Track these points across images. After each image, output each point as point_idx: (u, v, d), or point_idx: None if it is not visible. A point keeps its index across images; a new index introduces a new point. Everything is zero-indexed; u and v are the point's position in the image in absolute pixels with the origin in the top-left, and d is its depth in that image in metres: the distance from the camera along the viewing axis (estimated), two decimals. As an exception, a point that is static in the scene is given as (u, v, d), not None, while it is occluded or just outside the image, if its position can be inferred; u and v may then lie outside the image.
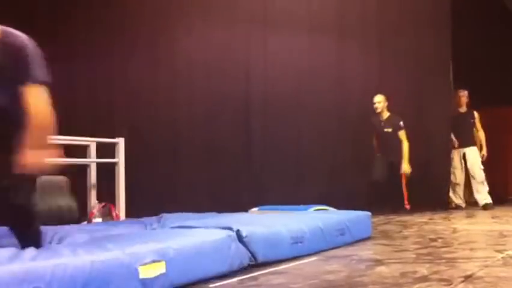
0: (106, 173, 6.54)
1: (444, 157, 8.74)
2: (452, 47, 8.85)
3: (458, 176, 8.90)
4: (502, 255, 3.71)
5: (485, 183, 8.68)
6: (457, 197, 8.91)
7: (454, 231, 5.50)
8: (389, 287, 2.79)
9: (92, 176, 6.46)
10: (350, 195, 8.20)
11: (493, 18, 10.75)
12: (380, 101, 8.23)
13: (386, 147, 8.21)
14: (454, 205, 8.80)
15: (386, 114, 8.26)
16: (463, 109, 9.04)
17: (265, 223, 3.92)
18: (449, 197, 8.84)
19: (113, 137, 6.60)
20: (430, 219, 6.98)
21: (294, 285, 2.92)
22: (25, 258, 2.41)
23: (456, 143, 8.86)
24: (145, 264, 2.64)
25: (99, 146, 6.58)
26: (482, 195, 8.62)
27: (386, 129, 8.23)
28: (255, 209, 6.86)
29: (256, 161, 8.42)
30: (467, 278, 2.95)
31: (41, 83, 3.06)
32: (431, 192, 8.58)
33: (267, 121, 8.48)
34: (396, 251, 4.13)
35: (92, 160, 6.46)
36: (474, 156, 8.77)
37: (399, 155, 8.12)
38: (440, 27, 8.75)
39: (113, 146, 6.56)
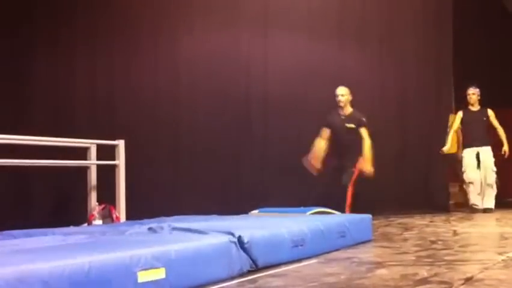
0: (106, 175, 6.54)
1: (441, 159, 8.70)
2: (454, 48, 8.84)
3: (471, 175, 8.48)
4: (502, 258, 3.71)
5: (495, 186, 8.47)
6: (473, 197, 8.47)
7: (455, 233, 5.49)
8: (389, 289, 2.78)
9: (92, 177, 6.46)
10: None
11: (495, 19, 10.74)
12: (343, 94, 7.39)
13: (343, 147, 7.35)
14: (470, 205, 8.43)
15: (348, 110, 7.41)
16: (475, 107, 8.71)
17: (267, 227, 3.91)
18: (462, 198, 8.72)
19: (114, 139, 6.60)
20: (431, 221, 6.97)
21: (294, 288, 2.91)
22: (22, 259, 2.40)
23: (446, 148, 8.50)
24: (144, 269, 2.63)
25: (99, 148, 6.57)
26: (487, 198, 8.42)
27: (347, 125, 7.33)
28: (255, 211, 6.85)
29: (257, 163, 8.42)
30: (468, 280, 2.95)
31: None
32: (432, 194, 8.57)
33: (268, 122, 8.48)
34: (396, 254, 4.13)
35: (92, 162, 6.46)
36: (488, 157, 8.48)
37: (357, 155, 7.27)
38: (442, 28, 8.75)
39: (114, 148, 6.56)
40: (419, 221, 7.00)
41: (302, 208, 6.57)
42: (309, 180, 8.30)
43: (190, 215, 5.60)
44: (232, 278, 3.19)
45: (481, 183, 8.48)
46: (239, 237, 3.42)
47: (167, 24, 8.43)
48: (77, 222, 6.14)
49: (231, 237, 3.40)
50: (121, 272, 2.54)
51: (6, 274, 2.14)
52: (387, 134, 8.65)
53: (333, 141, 7.44)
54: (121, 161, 6.49)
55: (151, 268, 2.67)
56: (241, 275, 3.29)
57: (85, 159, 6.49)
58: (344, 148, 7.32)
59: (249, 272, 3.37)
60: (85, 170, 6.51)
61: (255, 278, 3.23)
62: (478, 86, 8.73)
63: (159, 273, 2.70)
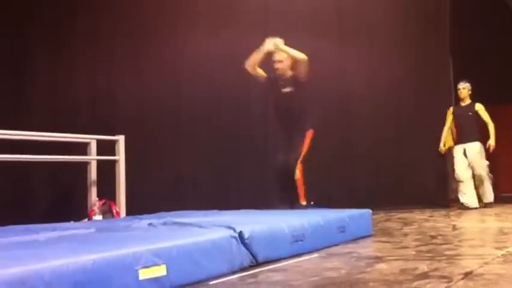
0: (107, 170, 6.55)
1: (440, 155, 8.70)
2: (453, 45, 8.83)
3: (461, 174, 8.34)
4: (502, 252, 3.71)
5: (486, 181, 8.36)
6: (462, 196, 8.29)
7: (454, 228, 5.50)
8: (389, 284, 2.79)
9: (93, 173, 6.47)
10: (350, 192, 8.21)
11: (494, 15, 10.75)
12: (281, 60, 6.47)
13: (284, 114, 6.47)
14: (461, 204, 8.22)
15: (288, 73, 6.48)
16: (465, 102, 8.52)
17: (267, 222, 3.92)
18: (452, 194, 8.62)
19: (114, 135, 6.61)
20: (430, 216, 6.98)
21: (294, 283, 2.92)
22: (24, 258, 2.41)
23: (441, 146, 8.46)
24: (146, 267, 2.64)
25: (99, 143, 6.58)
26: (483, 193, 8.36)
27: (284, 90, 6.44)
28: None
29: (258, 159, 8.43)
30: (467, 275, 2.95)
31: None
32: (432, 189, 8.59)
33: (268, 120, 8.48)
34: (396, 248, 4.13)
35: (92, 157, 6.47)
36: (474, 153, 8.30)
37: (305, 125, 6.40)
38: (440, 26, 8.75)
39: (114, 143, 6.57)
40: (418, 216, 7.01)
41: None
42: (309, 177, 8.33)
43: (190, 210, 5.61)
44: (233, 273, 3.20)
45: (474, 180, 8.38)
46: (239, 233, 3.43)
47: (168, 23, 8.43)
48: (78, 218, 6.16)
49: (231, 232, 3.41)
50: (122, 270, 2.54)
51: (6, 275, 2.14)
52: (387, 130, 8.67)
53: (275, 109, 6.59)
54: (121, 156, 6.50)
55: (152, 265, 2.67)
56: (242, 270, 3.30)
57: (85, 154, 6.50)
58: (287, 115, 6.39)
59: (250, 267, 3.37)
60: (85, 165, 6.52)
61: (256, 272, 3.24)
62: (468, 81, 8.55)
63: (161, 270, 2.71)
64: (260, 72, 6.52)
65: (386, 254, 3.85)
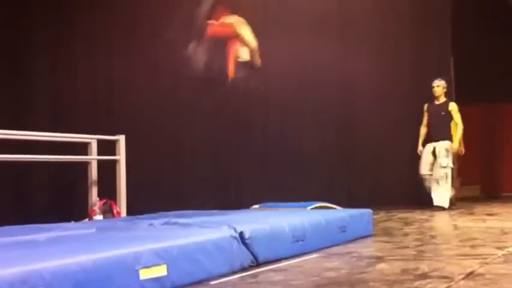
0: (107, 170, 6.55)
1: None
2: (454, 44, 8.83)
3: (423, 171, 8.04)
4: (502, 252, 3.71)
5: (442, 182, 7.90)
6: (433, 194, 7.98)
7: (455, 228, 5.50)
8: (390, 284, 2.79)
9: (93, 173, 6.47)
10: (351, 191, 8.21)
11: (495, 14, 10.74)
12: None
13: None
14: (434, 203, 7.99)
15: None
16: (439, 101, 8.21)
17: (268, 222, 3.91)
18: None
19: (114, 135, 6.61)
20: (431, 216, 6.98)
21: (294, 282, 2.92)
22: (25, 258, 2.41)
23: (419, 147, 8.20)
24: (147, 267, 2.64)
25: (100, 143, 6.58)
26: (435, 194, 7.95)
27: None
28: (256, 206, 6.88)
29: (258, 158, 8.43)
30: (468, 275, 2.95)
31: None
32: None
33: (269, 119, 8.50)
34: (397, 248, 4.13)
35: (93, 157, 6.47)
36: (439, 152, 7.97)
37: None
38: (441, 26, 8.75)
39: (114, 143, 6.57)
40: (419, 216, 7.01)
41: (303, 203, 6.60)
42: (310, 176, 8.34)
43: (190, 210, 5.61)
44: (234, 273, 3.20)
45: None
46: (240, 233, 3.43)
47: (167, 21, 8.41)
48: (78, 218, 6.16)
49: (232, 232, 3.41)
50: (123, 270, 2.54)
51: (7, 275, 2.14)
52: (387, 129, 8.67)
53: None
54: (121, 156, 6.50)
55: (152, 266, 2.67)
56: (242, 270, 3.30)
57: (86, 154, 6.50)
58: None
59: (250, 267, 3.38)
60: (85, 165, 6.52)
61: (256, 272, 3.24)
62: (444, 79, 8.28)
63: (161, 270, 2.71)
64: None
65: (387, 254, 3.85)
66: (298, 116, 8.47)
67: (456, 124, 8.10)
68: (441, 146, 8.02)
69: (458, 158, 9.12)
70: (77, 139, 6.53)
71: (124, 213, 6.39)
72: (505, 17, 10.59)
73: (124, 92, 8.18)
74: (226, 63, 6.20)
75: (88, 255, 2.48)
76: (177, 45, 8.52)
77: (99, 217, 6.10)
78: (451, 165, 7.96)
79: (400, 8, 8.86)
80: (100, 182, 6.49)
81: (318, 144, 8.47)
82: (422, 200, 8.21)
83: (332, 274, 3.10)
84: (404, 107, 8.68)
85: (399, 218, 6.80)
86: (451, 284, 2.74)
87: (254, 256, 3.45)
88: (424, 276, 2.95)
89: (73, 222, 5.39)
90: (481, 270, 3.07)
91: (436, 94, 8.21)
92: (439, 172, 7.94)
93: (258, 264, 3.45)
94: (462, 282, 2.77)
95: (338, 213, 4.88)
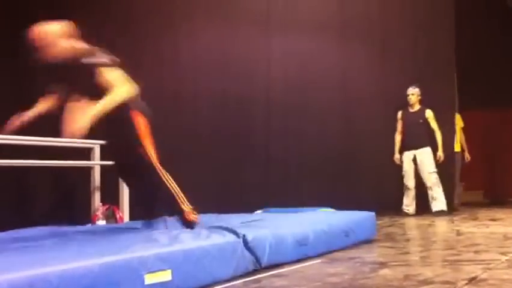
0: (110, 175, 6.55)
1: (448, 159, 8.67)
2: (457, 49, 8.81)
3: (409, 182, 8.19)
4: (506, 258, 3.71)
5: (436, 188, 8.02)
6: (406, 202, 8.19)
7: (458, 233, 5.49)
8: (393, 289, 2.79)
9: (96, 178, 6.47)
10: (355, 196, 8.19)
11: (497, 18, 10.76)
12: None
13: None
14: (402, 209, 8.17)
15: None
16: (414, 108, 8.28)
17: (271, 226, 3.91)
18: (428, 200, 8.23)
19: (117, 140, 6.60)
20: (434, 221, 6.97)
21: (297, 288, 2.92)
22: (30, 263, 2.41)
23: (396, 155, 8.28)
24: (151, 272, 2.64)
25: (103, 148, 6.58)
26: (434, 201, 8.03)
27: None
28: (259, 212, 6.87)
29: (261, 163, 8.42)
30: (471, 280, 2.95)
31: None
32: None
33: (271, 122, 8.49)
34: (400, 254, 4.13)
35: (96, 162, 6.47)
36: (424, 159, 8.09)
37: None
38: (444, 28, 8.74)
39: (117, 148, 6.57)
40: (422, 221, 7.00)
41: (307, 208, 6.59)
42: (312, 182, 8.33)
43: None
44: (237, 278, 3.20)
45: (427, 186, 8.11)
46: (243, 237, 3.43)
47: (169, 24, 8.44)
48: (81, 223, 6.16)
49: (235, 236, 3.41)
50: (128, 275, 2.55)
51: (15, 279, 2.15)
52: (390, 132, 8.65)
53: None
54: (124, 161, 6.49)
55: (157, 270, 2.68)
56: (245, 274, 3.30)
57: (89, 159, 6.50)
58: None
59: (253, 272, 3.37)
60: (88, 170, 6.52)
61: (259, 278, 3.24)
62: (418, 86, 8.27)
63: (166, 275, 2.72)
64: None
65: (390, 259, 3.85)
66: (300, 119, 8.46)
67: (434, 131, 8.16)
68: (423, 153, 8.10)
69: (461, 164, 9.13)
70: (80, 144, 6.53)
71: (126, 218, 6.39)
72: (508, 21, 10.60)
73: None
74: None
75: (94, 260, 2.49)
76: (181, 47, 8.56)
77: (102, 222, 6.10)
78: (435, 170, 8.05)
79: (402, 12, 8.85)
80: (103, 187, 6.49)
81: (320, 149, 8.46)
82: (426, 205, 8.20)
83: (334, 279, 3.10)
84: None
85: (402, 224, 6.79)
86: (454, 289, 2.73)
87: (257, 260, 3.45)
88: (427, 281, 2.95)
89: (76, 227, 5.39)
90: (484, 276, 3.06)
91: (411, 102, 8.26)
92: (430, 179, 8.03)
93: (261, 268, 3.45)
94: (465, 288, 2.76)
95: (341, 218, 4.88)
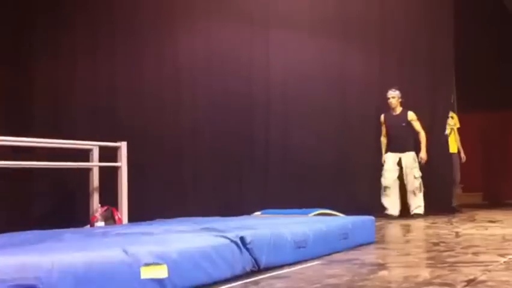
0: (109, 176, 6.55)
1: (445, 159, 8.67)
2: (455, 51, 8.81)
3: (388, 181, 8.00)
4: (504, 260, 3.71)
5: (418, 192, 7.92)
6: (386, 203, 7.96)
7: (457, 235, 5.49)
8: (392, 291, 2.78)
9: (95, 179, 6.47)
10: (353, 198, 8.19)
11: (492, 19, 10.76)
12: None
13: None
14: (388, 213, 7.90)
15: None
16: (396, 112, 8.12)
17: (269, 228, 3.91)
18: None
19: (116, 141, 6.61)
20: (433, 223, 6.97)
21: (296, 290, 2.92)
22: (26, 257, 2.41)
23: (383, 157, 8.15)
24: (147, 265, 2.64)
25: (102, 149, 6.58)
26: (413, 204, 7.94)
27: None
28: (258, 213, 6.87)
29: (260, 164, 8.43)
30: (470, 282, 2.95)
31: None
32: (434, 195, 8.55)
33: (270, 123, 8.50)
34: (398, 255, 4.13)
35: (94, 164, 6.47)
36: (409, 163, 8.00)
37: None
38: (443, 29, 8.73)
39: (116, 149, 6.57)
40: (421, 223, 6.99)
41: (305, 210, 6.59)
42: (311, 183, 8.32)
43: (192, 217, 5.60)
44: (235, 279, 3.19)
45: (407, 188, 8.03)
46: (241, 237, 3.43)
47: (169, 25, 8.45)
48: (80, 224, 6.16)
49: (233, 237, 3.41)
50: (124, 269, 2.54)
51: (9, 273, 2.15)
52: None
53: None
54: (123, 162, 6.50)
55: (153, 264, 2.67)
56: (244, 276, 3.29)
57: (88, 161, 6.50)
58: None
59: (252, 273, 3.37)
60: (87, 171, 6.52)
61: (258, 279, 3.23)
62: (397, 88, 8.08)
63: (162, 271, 2.70)
64: None
65: (389, 261, 3.84)
66: (299, 120, 8.46)
67: (418, 133, 8.07)
68: (408, 157, 8.03)
69: (460, 165, 9.12)
70: (79, 146, 6.53)
71: (125, 219, 6.38)
72: (507, 24, 10.61)
73: (126, 98, 8.20)
74: None
75: (89, 254, 2.49)
76: (180, 49, 8.57)
77: (100, 224, 6.10)
78: (420, 174, 7.98)
79: (401, 13, 8.85)
80: (102, 189, 6.49)
81: (319, 150, 8.45)
82: (425, 207, 8.20)
83: (333, 281, 3.10)
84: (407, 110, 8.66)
85: (401, 225, 6.79)
86: (453, 291, 2.73)
87: (256, 262, 3.45)
88: (426, 283, 2.95)
89: (74, 228, 5.38)
90: (483, 278, 3.06)
91: (392, 106, 8.12)
92: (414, 183, 7.96)
93: (259, 269, 3.45)
94: (464, 290, 2.76)
95: (340, 220, 4.87)
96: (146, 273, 2.62)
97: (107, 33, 8.29)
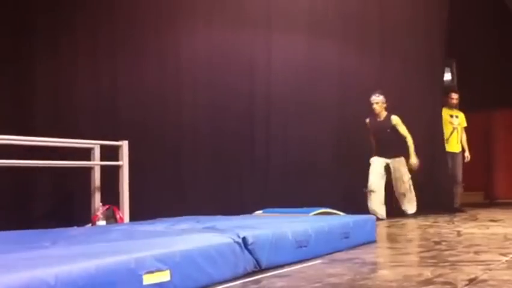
0: (110, 175, 6.55)
1: (443, 158, 8.66)
2: (454, 51, 8.82)
3: (375, 184, 7.86)
4: (506, 259, 3.70)
5: (408, 194, 7.90)
6: (375, 205, 7.78)
7: (458, 234, 5.49)
8: (393, 290, 2.78)
9: (96, 178, 6.47)
10: (354, 197, 8.19)
11: (493, 19, 10.75)
12: None
13: None
14: (371, 213, 7.61)
15: None
16: (380, 117, 7.98)
17: (271, 227, 3.91)
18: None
19: (117, 140, 6.62)
20: (434, 222, 6.97)
21: (297, 289, 2.92)
22: (27, 264, 2.41)
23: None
24: (150, 272, 2.64)
25: (103, 148, 6.59)
26: (406, 205, 7.95)
27: None
28: (259, 212, 6.87)
29: (261, 163, 8.43)
30: (471, 281, 2.95)
31: None
32: (433, 195, 8.56)
33: (271, 122, 8.50)
34: (400, 254, 4.13)
35: (96, 163, 6.47)
36: (398, 168, 7.91)
37: None
38: (439, 29, 8.75)
39: (117, 148, 6.58)
40: (422, 222, 7.00)
41: (306, 209, 6.59)
42: (312, 182, 8.32)
43: (193, 216, 5.61)
44: (236, 279, 3.19)
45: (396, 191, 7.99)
46: (243, 238, 3.42)
47: (170, 25, 8.44)
48: (81, 223, 6.16)
49: (235, 237, 3.40)
50: (126, 275, 2.54)
51: (12, 280, 2.14)
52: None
53: None
54: (124, 161, 6.50)
55: (156, 271, 2.67)
56: (245, 275, 3.29)
57: (89, 160, 6.50)
58: None
59: (253, 273, 3.37)
60: (88, 170, 6.52)
61: (259, 278, 3.23)
62: (381, 93, 7.94)
63: (164, 276, 2.71)
64: None
65: (390, 260, 3.85)
66: (300, 120, 8.46)
67: (405, 137, 7.92)
68: (396, 163, 7.92)
69: (462, 165, 9.12)
70: (80, 144, 6.54)
71: (126, 218, 6.39)
72: (506, 23, 10.60)
73: (127, 98, 8.19)
74: None
75: (92, 260, 2.48)
76: (181, 48, 8.57)
77: (102, 222, 6.10)
78: (409, 176, 7.90)
79: (400, 14, 8.85)
80: (103, 188, 6.49)
81: (320, 149, 8.46)
82: (425, 206, 8.20)
83: (334, 280, 3.10)
84: (406, 111, 8.65)
85: (402, 224, 6.79)
86: (454, 290, 2.73)
87: (257, 261, 3.45)
88: (427, 282, 2.94)
89: (75, 227, 5.39)
90: (484, 277, 3.06)
91: (376, 111, 7.95)
92: (405, 186, 7.89)
93: (261, 269, 3.45)
94: (465, 289, 2.76)
95: (341, 220, 4.87)
96: (149, 280, 2.63)
97: (108, 33, 8.28)
